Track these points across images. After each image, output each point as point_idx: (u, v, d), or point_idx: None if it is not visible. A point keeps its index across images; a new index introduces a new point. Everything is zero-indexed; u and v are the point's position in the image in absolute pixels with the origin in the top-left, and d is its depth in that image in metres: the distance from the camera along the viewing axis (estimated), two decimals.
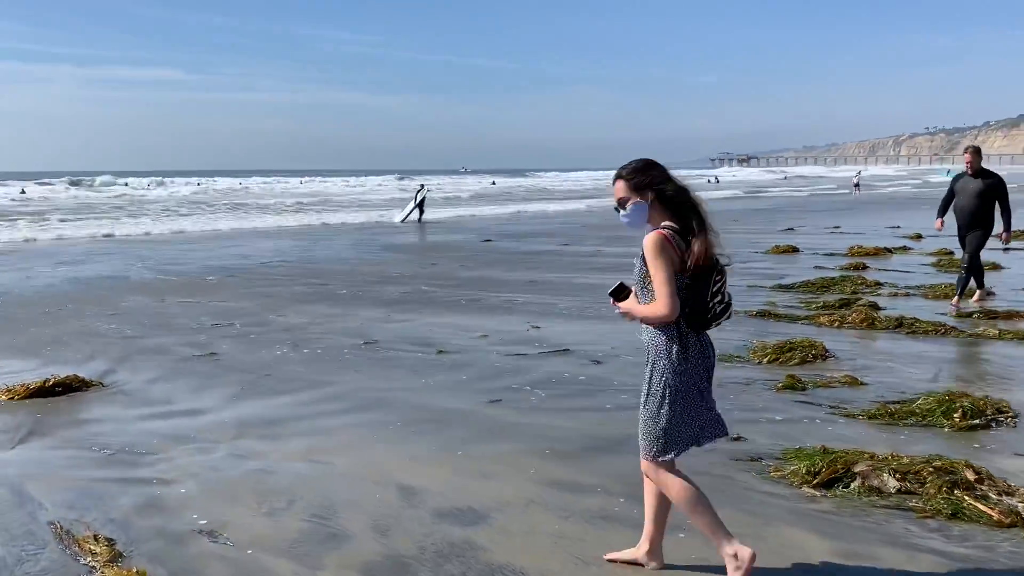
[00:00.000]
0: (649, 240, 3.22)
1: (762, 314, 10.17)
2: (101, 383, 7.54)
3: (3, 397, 7.03)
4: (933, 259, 15.90)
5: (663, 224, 3.29)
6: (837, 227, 25.28)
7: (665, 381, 3.26)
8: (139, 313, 11.34)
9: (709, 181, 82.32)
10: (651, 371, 3.32)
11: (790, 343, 7.92)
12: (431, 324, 10.20)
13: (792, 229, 24.72)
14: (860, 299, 10.77)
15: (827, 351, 7.80)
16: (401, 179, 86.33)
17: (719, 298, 3.29)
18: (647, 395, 3.33)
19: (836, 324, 9.42)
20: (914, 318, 9.35)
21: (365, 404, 6.66)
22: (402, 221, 33.89)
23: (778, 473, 4.88)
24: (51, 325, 10.46)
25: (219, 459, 5.47)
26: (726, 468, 5.01)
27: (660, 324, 3.25)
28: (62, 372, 7.52)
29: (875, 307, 10.19)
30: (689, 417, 3.29)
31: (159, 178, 77.91)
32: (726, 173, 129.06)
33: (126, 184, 67.17)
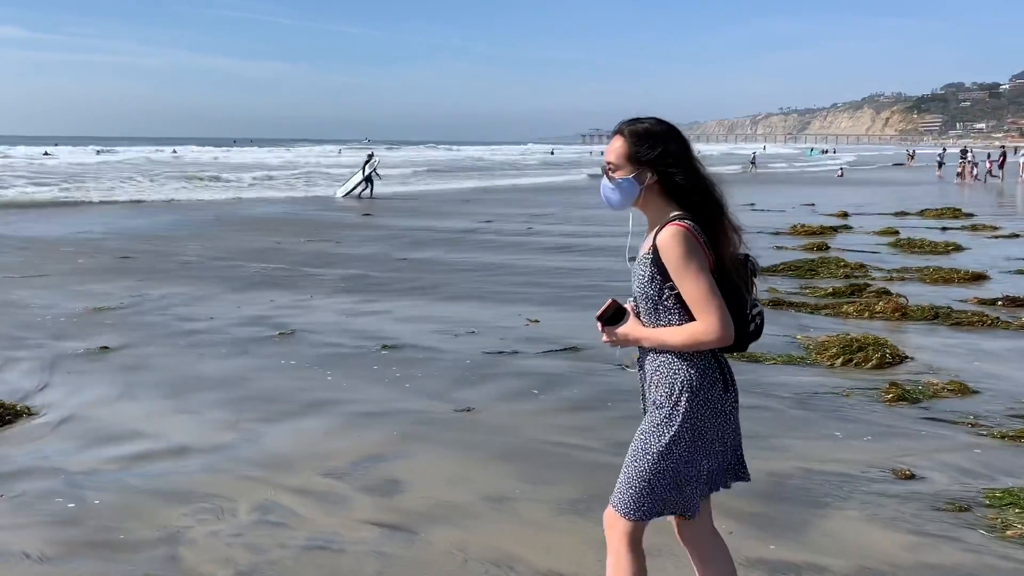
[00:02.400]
0: (670, 239, 2.34)
1: (775, 303, 9.27)
2: (27, 409, 5.72)
3: None
4: (884, 239, 15.63)
5: (674, 214, 2.42)
6: (752, 204, 25.13)
7: (687, 428, 2.39)
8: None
9: (552, 153, 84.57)
10: (670, 410, 2.40)
11: (856, 341, 6.99)
12: None
13: None
14: (867, 285, 10.07)
15: (900, 351, 6.90)
16: (288, 150, 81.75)
17: (757, 308, 2.48)
18: (654, 436, 2.42)
19: (865, 315, 8.60)
20: (948, 308, 8.66)
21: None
22: (344, 196, 30.01)
23: (1015, 532, 3.83)
24: None
25: (253, 528, 3.94)
26: (941, 525, 3.93)
27: (688, 350, 2.37)
28: None
29: (887, 293, 9.49)
30: (701, 471, 2.46)
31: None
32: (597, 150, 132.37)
33: None
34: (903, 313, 8.56)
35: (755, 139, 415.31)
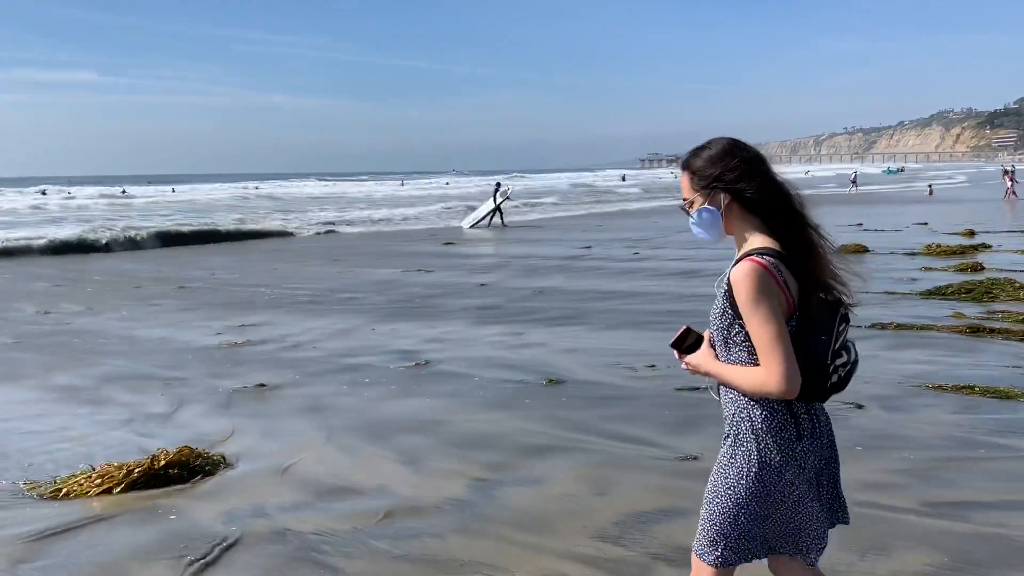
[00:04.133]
0: (742, 276, 2.16)
1: (973, 330, 8.41)
2: (222, 458, 5.23)
3: (91, 488, 4.69)
4: None
5: (757, 248, 2.22)
6: (860, 223, 24.07)
7: (753, 471, 2.22)
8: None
9: (623, 179, 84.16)
10: (733, 450, 2.28)
11: None
12: None
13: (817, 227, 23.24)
14: None
15: None
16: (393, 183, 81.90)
17: (843, 357, 2.22)
18: (722, 477, 2.29)
19: None
20: None
21: None
22: (471, 227, 28.99)
23: None
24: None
25: None
26: None
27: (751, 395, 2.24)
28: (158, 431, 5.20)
29: None
30: (778, 524, 2.28)
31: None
32: (660, 173, 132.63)
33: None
34: None
35: (819, 159, 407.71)
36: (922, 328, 8.66)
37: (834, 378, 2.22)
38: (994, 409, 5.79)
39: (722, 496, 2.28)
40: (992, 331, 8.38)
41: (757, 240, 2.26)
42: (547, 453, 5.21)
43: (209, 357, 8.39)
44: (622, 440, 5.42)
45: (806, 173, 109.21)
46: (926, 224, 23.57)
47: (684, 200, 2.38)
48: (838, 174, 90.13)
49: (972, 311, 9.55)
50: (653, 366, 7.34)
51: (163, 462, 4.90)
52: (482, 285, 13.37)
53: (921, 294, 10.92)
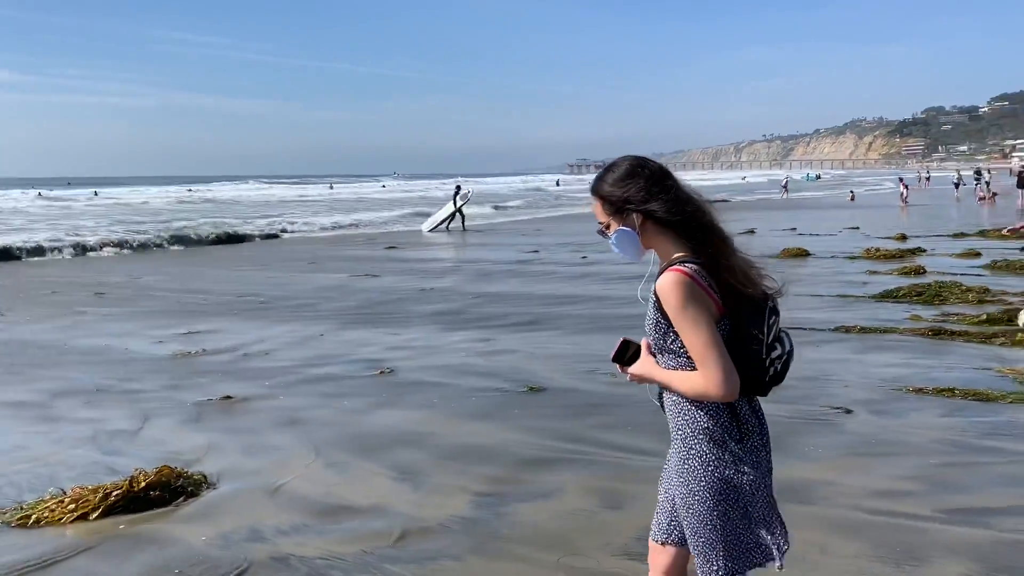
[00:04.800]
0: (668, 286, 2.19)
1: (935, 332, 8.59)
2: (203, 477, 4.91)
3: (64, 515, 4.33)
4: (973, 261, 15.03)
5: (678, 257, 2.26)
6: (794, 228, 24.65)
7: (710, 477, 2.23)
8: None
9: (558, 183, 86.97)
10: (684, 458, 2.28)
11: None
12: None
13: (753, 231, 23.68)
14: (1014, 307, 9.39)
15: None
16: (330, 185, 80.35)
17: (778, 350, 2.24)
18: (690, 494, 2.27)
19: None
20: None
21: None
22: (431, 230, 28.49)
23: None
24: None
25: None
26: None
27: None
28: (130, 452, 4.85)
29: None
30: (754, 524, 2.26)
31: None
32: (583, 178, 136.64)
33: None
34: None
35: (739, 166, 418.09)
36: (885, 331, 8.79)
37: (771, 371, 2.25)
38: (979, 412, 5.87)
39: (694, 508, 2.26)
40: (952, 333, 8.56)
41: (676, 250, 2.29)
42: (548, 465, 5.04)
43: (163, 368, 7.97)
44: (622, 450, 5.28)
45: (743, 179, 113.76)
46: (857, 228, 24.25)
47: (600, 224, 2.40)
48: (770, 179, 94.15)
49: (927, 313, 9.76)
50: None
51: (143, 483, 4.56)
52: (436, 290, 13.14)
53: (874, 297, 11.14)
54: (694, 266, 2.23)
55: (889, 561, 3.66)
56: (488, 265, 16.92)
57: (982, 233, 20.80)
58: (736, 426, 2.25)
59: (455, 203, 29.45)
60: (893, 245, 18.25)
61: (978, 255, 15.88)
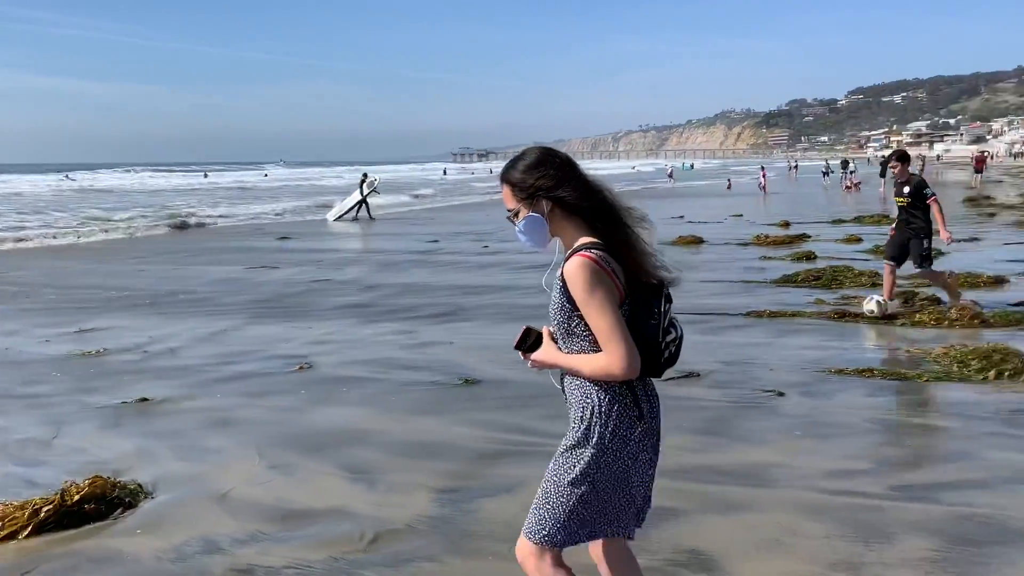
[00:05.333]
0: (575, 270, 2.31)
1: (840, 315, 9.00)
2: (139, 486, 4.58)
3: None
4: (858, 246, 15.89)
5: (583, 242, 2.40)
6: (682, 216, 25.38)
7: (598, 452, 2.37)
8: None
9: (445, 173, 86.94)
10: (582, 435, 2.39)
11: (996, 351, 6.70)
12: None
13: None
14: (915, 293, 9.95)
15: None
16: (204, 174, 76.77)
17: (672, 334, 2.42)
18: (563, 460, 2.43)
19: (944, 324, 8.41)
20: (1021, 313, 8.60)
21: None
22: (336, 219, 27.88)
23: None
24: None
25: None
26: None
27: (597, 380, 2.38)
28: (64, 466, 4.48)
29: (937, 301, 9.41)
30: (622, 501, 2.44)
31: None
32: (477, 167, 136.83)
33: None
34: (982, 320, 8.41)
35: (617, 156, 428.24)
36: (793, 315, 9.14)
37: (666, 354, 2.40)
38: (901, 390, 6.17)
39: (560, 478, 2.41)
40: (856, 316, 8.97)
41: (582, 237, 2.40)
42: (504, 459, 4.97)
43: (63, 369, 7.43)
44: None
45: (633, 168, 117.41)
46: (742, 216, 25.19)
47: (509, 211, 2.49)
48: (657, 169, 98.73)
49: (828, 297, 10.21)
50: None
51: (76, 496, 4.22)
52: (342, 282, 12.80)
53: (775, 282, 11.56)
54: (599, 252, 2.34)
55: (858, 540, 3.78)
56: (390, 255, 16.65)
57: (858, 219, 21.99)
58: (636, 407, 2.38)
59: (361, 191, 28.93)
60: (779, 232, 19.01)
61: (860, 240, 16.78)
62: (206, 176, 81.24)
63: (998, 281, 10.97)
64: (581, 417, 2.39)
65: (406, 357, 7.66)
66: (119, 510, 4.30)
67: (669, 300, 2.43)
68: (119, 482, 4.52)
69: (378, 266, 14.95)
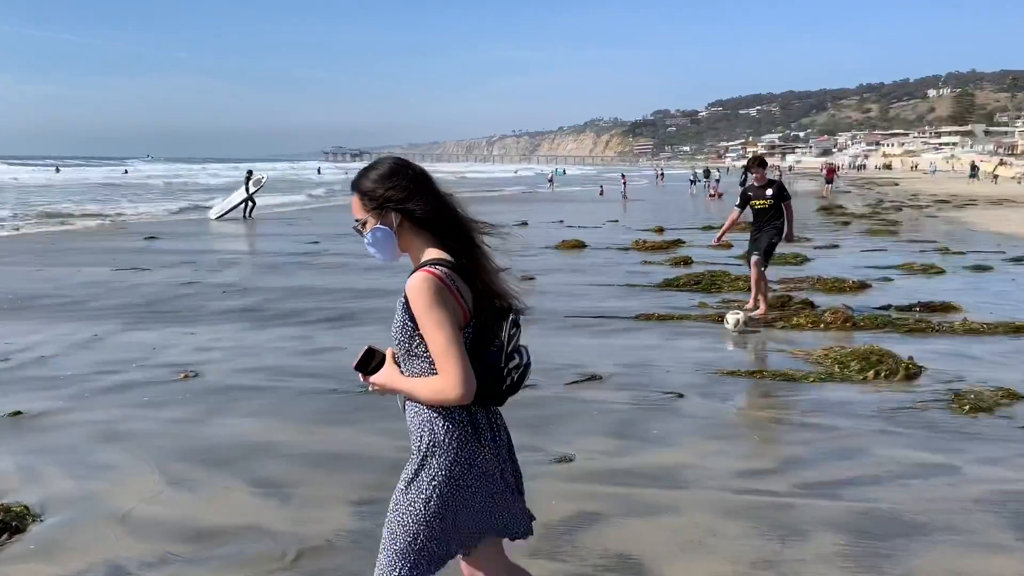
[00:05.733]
0: (416, 286, 2.21)
1: (723, 319, 9.35)
2: (25, 508, 4.23)
3: None
4: (730, 252, 16.57)
5: (430, 259, 2.31)
6: (561, 220, 25.82)
7: (438, 484, 2.29)
8: None
9: (319, 171, 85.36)
10: (419, 465, 2.32)
11: (873, 353, 7.15)
12: None
13: (526, 223, 24.53)
14: (790, 297, 10.50)
15: (911, 362, 7.13)
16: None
17: (516, 360, 2.32)
18: (404, 496, 2.33)
19: (820, 326, 8.92)
20: (887, 317, 9.22)
21: None
22: (219, 217, 26.69)
23: None
24: None
25: None
26: None
27: (433, 405, 2.29)
28: None
29: (810, 304, 9.97)
30: (473, 527, 2.38)
31: None
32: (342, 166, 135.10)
33: None
34: (853, 323, 8.96)
35: (491, 159, 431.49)
36: (680, 318, 9.45)
37: (508, 381, 2.28)
38: (791, 391, 6.48)
39: (404, 518, 2.30)
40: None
41: (431, 253, 2.31)
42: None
43: None
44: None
45: (515, 172, 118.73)
46: (617, 221, 25.89)
47: (357, 221, 2.38)
48: (537, 174, 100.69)
49: (710, 301, 10.62)
50: None
51: None
52: (223, 285, 12.28)
53: (658, 286, 11.92)
54: (445, 269, 2.24)
55: (775, 538, 3.93)
56: (271, 257, 16.12)
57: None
58: (475, 437, 2.29)
59: (247, 189, 27.97)
60: (655, 237, 19.64)
61: (730, 246, 17.52)
62: (58, 171, 76.25)
63: (862, 286, 11.72)
64: (419, 448, 2.30)
65: (303, 364, 7.43)
66: (4, 535, 3.96)
67: (516, 325, 2.34)
68: (2, 504, 4.16)
69: (260, 268, 14.45)
